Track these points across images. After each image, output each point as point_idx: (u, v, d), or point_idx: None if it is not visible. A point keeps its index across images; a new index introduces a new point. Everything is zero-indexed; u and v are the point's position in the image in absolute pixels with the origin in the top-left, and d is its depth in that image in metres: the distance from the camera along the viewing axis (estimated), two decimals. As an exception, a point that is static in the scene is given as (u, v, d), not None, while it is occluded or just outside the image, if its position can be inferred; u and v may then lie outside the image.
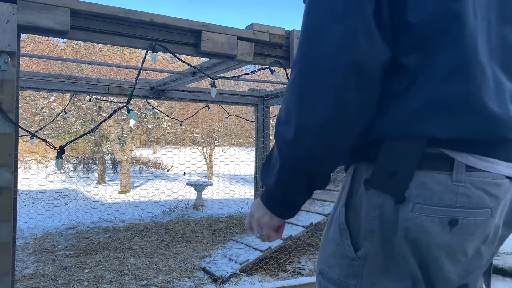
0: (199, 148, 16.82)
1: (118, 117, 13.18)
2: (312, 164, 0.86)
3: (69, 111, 11.51)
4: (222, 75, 4.76)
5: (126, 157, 13.57)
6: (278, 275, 3.40)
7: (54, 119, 8.29)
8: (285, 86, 4.73)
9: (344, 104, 0.81)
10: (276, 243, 3.55)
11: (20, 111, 8.83)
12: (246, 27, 2.89)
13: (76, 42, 14.01)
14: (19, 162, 2.32)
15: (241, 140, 19.67)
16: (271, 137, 6.30)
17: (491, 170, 0.84)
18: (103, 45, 12.14)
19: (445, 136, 0.82)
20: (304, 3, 0.89)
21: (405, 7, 0.83)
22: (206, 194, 10.51)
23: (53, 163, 16.44)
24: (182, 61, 2.76)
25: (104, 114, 11.90)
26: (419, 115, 0.83)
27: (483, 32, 0.87)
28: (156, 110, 12.40)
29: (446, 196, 0.81)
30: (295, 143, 0.84)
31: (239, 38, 2.75)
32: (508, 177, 0.87)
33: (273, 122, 7.82)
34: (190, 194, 9.63)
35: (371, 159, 0.87)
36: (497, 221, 0.88)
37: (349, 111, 0.81)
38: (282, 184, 0.89)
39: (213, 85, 3.22)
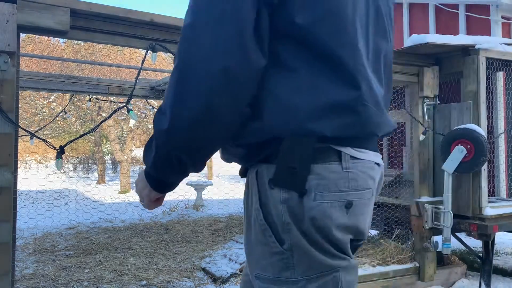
0: (199, 148, 16.79)
1: (118, 117, 13.17)
2: (183, 154, 0.93)
3: (69, 111, 11.50)
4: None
5: (126, 157, 13.56)
6: (278, 275, 3.39)
7: (54, 119, 8.28)
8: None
9: (213, 106, 0.88)
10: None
11: (20, 111, 8.82)
12: (246, 27, 2.88)
13: (76, 42, 14.00)
14: (19, 162, 2.32)
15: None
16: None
17: (366, 158, 1.01)
18: (103, 45, 12.14)
19: (332, 135, 0.93)
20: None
21: (292, 9, 0.91)
22: (206, 194, 10.50)
23: (53, 163, 16.43)
24: (182, 61, 2.76)
25: (104, 114, 11.89)
26: (311, 116, 0.92)
27: (362, 41, 0.99)
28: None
29: (340, 182, 0.95)
30: (168, 134, 0.91)
31: (239, 38, 2.74)
32: (376, 163, 1.06)
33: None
34: (190, 194, 9.63)
35: (270, 160, 0.95)
36: (374, 199, 1.07)
37: (217, 112, 0.89)
38: (157, 167, 0.98)
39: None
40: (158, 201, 1.09)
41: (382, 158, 4.03)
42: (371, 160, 1.03)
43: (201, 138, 0.92)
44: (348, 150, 0.97)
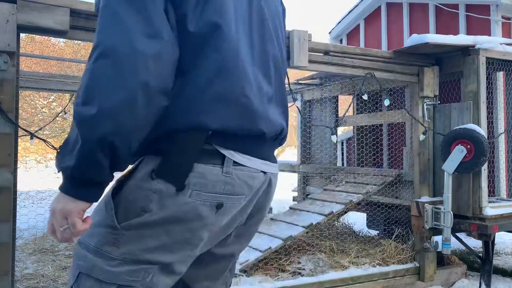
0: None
1: (118, 117, 13.15)
2: (117, 137, 0.91)
3: (69, 111, 11.48)
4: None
5: (126, 157, 13.55)
6: (278, 275, 3.39)
7: (54, 119, 8.28)
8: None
9: (146, 83, 0.92)
10: (276, 243, 3.54)
11: (20, 111, 8.81)
12: (246, 27, 2.88)
13: (76, 41, 13.99)
14: (19, 162, 2.31)
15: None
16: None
17: (250, 165, 1.09)
18: (103, 45, 12.11)
19: (218, 126, 1.01)
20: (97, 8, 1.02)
21: (185, 19, 1.00)
22: (206, 194, 10.45)
23: (53, 163, 16.41)
24: (182, 61, 2.76)
25: (104, 114, 11.88)
26: (198, 107, 1.00)
27: (245, 45, 1.09)
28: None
29: (217, 184, 1.02)
30: (98, 118, 0.90)
31: (239, 38, 2.74)
32: (262, 171, 1.13)
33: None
34: (190, 194, 9.63)
35: (158, 153, 1.01)
36: (247, 204, 1.12)
37: (150, 88, 0.93)
38: (84, 162, 0.91)
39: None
40: (85, 221, 0.96)
41: (382, 158, 4.00)
42: (256, 168, 1.10)
43: (133, 116, 0.92)
44: (233, 155, 1.04)
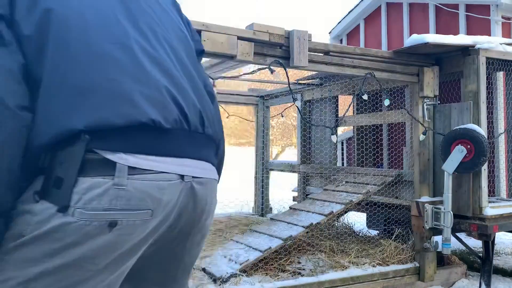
0: (199, 148, 16.74)
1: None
2: None
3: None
4: (222, 75, 4.76)
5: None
6: (278, 275, 3.39)
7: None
8: (285, 86, 4.72)
9: None
10: (276, 243, 3.54)
11: (20, 111, 8.78)
12: (246, 27, 2.88)
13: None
14: (18, 162, 2.31)
15: (241, 140, 19.66)
16: (271, 137, 6.27)
17: (156, 169, 0.92)
18: (103, 45, 12.11)
19: (84, 123, 0.86)
20: None
21: (19, 26, 0.90)
22: (206, 194, 10.44)
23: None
24: (182, 61, 2.75)
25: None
26: (56, 114, 0.87)
27: (108, 26, 0.97)
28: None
29: (105, 199, 0.86)
30: None
31: (239, 38, 2.74)
32: (180, 176, 0.96)
33: (273, 122, 7.78)
34: (190, 194, 9.61)
35: (41, 173, 0.89)
36: (162, 220, 0.96)
37: None
38: None
39: (213, 85, 3.21)
40: None
41: (382, 158, 3.98)
42: (165, 172, 0.94)
43: None
44: (126, 159, 0.89)
